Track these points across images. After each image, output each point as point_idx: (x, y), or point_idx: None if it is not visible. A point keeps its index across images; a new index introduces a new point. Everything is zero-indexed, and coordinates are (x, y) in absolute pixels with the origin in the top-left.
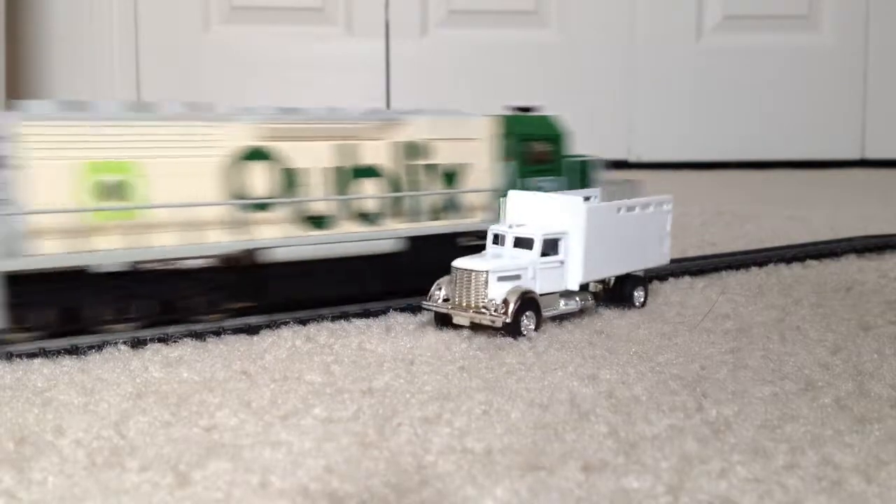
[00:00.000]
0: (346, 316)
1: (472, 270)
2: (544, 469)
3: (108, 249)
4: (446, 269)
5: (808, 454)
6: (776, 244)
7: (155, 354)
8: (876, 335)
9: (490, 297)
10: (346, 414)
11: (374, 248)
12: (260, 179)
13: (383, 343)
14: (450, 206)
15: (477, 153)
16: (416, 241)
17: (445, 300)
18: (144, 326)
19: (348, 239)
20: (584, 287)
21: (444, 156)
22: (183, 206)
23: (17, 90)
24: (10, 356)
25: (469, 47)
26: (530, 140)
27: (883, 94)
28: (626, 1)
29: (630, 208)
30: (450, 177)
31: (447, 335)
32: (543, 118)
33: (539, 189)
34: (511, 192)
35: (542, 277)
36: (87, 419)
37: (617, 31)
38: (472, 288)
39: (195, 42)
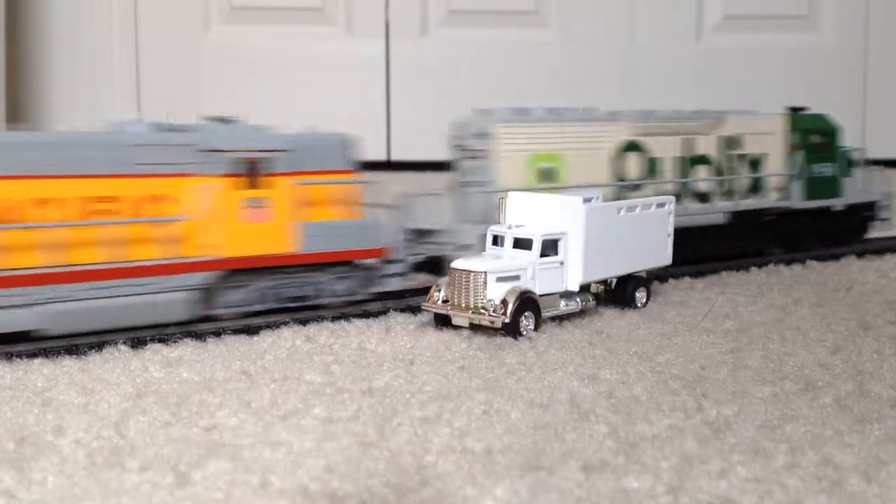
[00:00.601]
0: (346, 316)
1: (470, 271)
2: (544, 469)
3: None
4: (759, 239)
5: (808, 454)
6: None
7: (155, 354)
8: (876, 335)
9: (489, 297)
10: (346, 414)
11: (708, 221)
12: (633, 166)
13: (383, 343)
14: (755, 188)
15: (773, 144)
16: (735, 216)
17: (445, 301)
18: None
19: (691, 213)
20: (585, 288)
21: (750, 147)
22: (590, 186)
23: (17, 90)
24: (10, 356)
25: (469, 47)
26: (812, 133)
27: (883, 94)
28: (626, 1)
29: (630, 208)
30: (754, 164)
31: (447, 335)
32: (820, 116)
33: (821, 174)
34: (511, 193)
35: (542, 278)
36: (87, 419)
37: (617, 31)
38: (471, 289)
39: (195, 42)
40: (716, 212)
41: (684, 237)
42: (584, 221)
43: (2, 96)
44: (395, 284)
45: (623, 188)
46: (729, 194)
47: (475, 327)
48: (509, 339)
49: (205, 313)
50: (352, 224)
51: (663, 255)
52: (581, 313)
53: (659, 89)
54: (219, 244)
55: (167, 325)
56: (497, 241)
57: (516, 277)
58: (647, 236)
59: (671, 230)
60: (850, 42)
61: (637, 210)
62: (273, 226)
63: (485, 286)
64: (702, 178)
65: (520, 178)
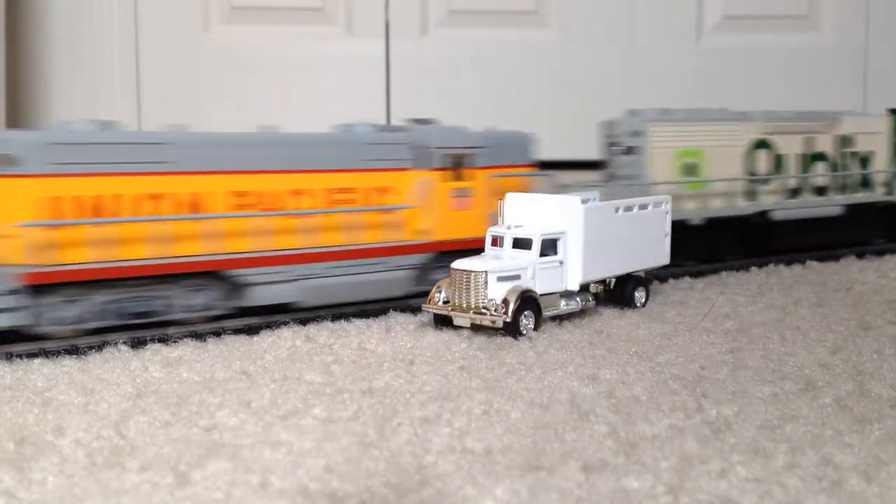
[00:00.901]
0: (346, 316)
1: (470, 271)
2: (544, 469)
3: (692, 209)
4: (866, 230)
5: (808, 454)
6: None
7: (155, 354)
8: (876, 335)
9: (490, 297)
10: (346, 414)
11: (826, 213)
12: (762, 162)
13: (383, 343)
14: (865, 183)
15: (879, 143)
16: (849, 208)
17: (445, 302)
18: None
19: (812, 205)
20: (584, 287)
21: (861, 145)
22: (727, 179)
23: (17, 90)
24: (10, 356)
25: (469, 47)
26: None
27: (883, 95)
28: (626, 1)
29: (628, 208)
30: (864, 161)
31: (447, 335)
32: None
33: None
34: (509, 194)
35: (542, 277)
36: (87, 419)
37: (617, 31)
38: (472, 289)
39: (195, 42)
40: (832, 204)
41: (806, 227)
42: (582, 221)
43: (2, 96)
44: None
45: (753, 182)
46: (843, 189)
47: (475, 327)
48: (509, 339)
49: (417, 290)
50: None
51: (662, 255)
52: (581, 313)
53: (659, 89)
54: (431, 229)
55: (168, 325)
56: (496, 241)
57: (517, 277)
58: (646, 236)
59: (669, 230)
60: (850, 42)
61: (635, 210)
62: (474, 213)
63: (486, 286)
64: (820, 174)
65: (667, 171)
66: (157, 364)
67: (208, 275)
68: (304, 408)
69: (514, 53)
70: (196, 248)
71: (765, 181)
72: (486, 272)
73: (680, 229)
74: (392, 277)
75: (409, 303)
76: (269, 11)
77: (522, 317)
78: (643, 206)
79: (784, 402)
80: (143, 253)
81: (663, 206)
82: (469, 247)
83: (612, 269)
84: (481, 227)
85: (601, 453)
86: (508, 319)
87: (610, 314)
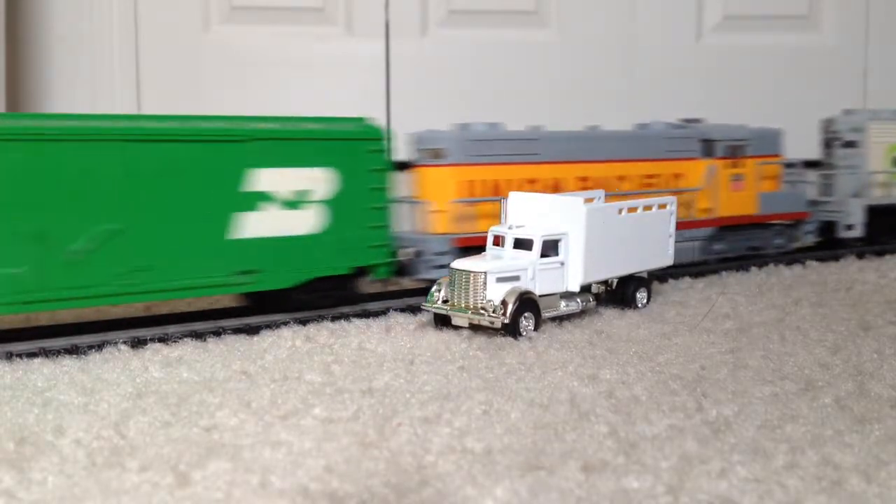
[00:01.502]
0: (346, 316)
1: (470, 272)
2: (544, 469)
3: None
4: None
5: (808, 454)
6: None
7: (155, 354)
8: (876, 335)
9: (488, 297)
10: (346, 414)
11: None
12: None
13: (383, 343)
14: None
15: None
16: None
17: (445, 301)
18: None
19: None
20: (585, 288)
21: None
22: (877, 172)
23: (17, 90)
24: (10, 356)
25: (469, 47)
26: None
27: (883, 95)
28: (626, 1)
29: (631, 209)
30: None
31: (447, 335)
32: None
33: None
34: (512, 193)
35: (542, 278)
36: (87, 419)
37: (617, 31)
38: (471, 289)
39: (195, 42)
40: None
41: None
42: (584, 222)
43: (2, 96)
44: (810, 239)
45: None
46: None
47: (475, 327)
48: (509, 339)
49: (701, 259)
50: (784, 194)
51: (665, 256)
52: (581, 313)
53: (659, 89)
54: (715, 207)
55: (167, 325)
56: (498, 241)
57: (516, 278)
58: (649, 237)
59: (673, 231)
60: (850, 42)
61: (638, 211)
62: (746, 195)
63: (485, 286)
64: None
65: (880, 162)
66: (157, 364)
67: None
68: (304, 408)
69: (514, 53)
70: None
71: None
72: (485, 273)
73: (891, 212)
74: (685, 247)
75: (408, 302)
76: (269, 11)
77: (522, 318)
78: (647, 208)
79: (784, 402)
80: None
81: (668, 208)
82: (744, 223)
83: (614, 270)
84: (751, 205)
85: (601, 453)
86: (507, 321)
87: (610, 314)
